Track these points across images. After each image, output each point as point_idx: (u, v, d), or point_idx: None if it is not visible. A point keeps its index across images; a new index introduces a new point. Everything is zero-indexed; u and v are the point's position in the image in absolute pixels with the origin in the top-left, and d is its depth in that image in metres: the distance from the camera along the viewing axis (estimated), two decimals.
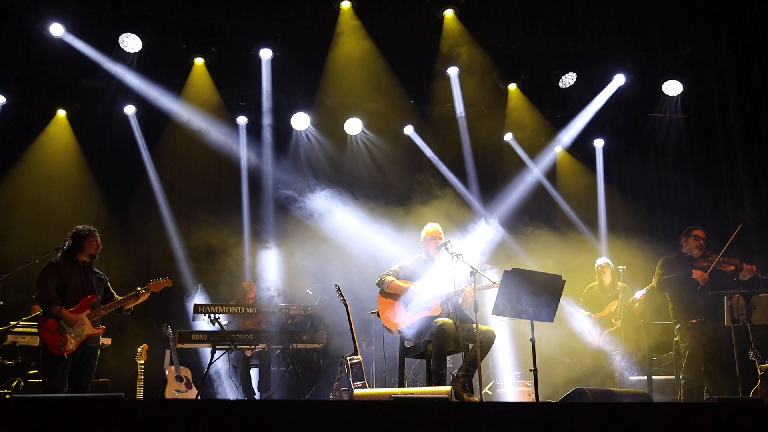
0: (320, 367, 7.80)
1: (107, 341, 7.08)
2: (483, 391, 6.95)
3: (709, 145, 9.46)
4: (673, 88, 9.32)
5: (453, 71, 9.23)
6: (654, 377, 7.32)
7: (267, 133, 9.16)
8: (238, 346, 6.97)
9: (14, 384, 6.47)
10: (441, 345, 5.62)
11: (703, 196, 9.49)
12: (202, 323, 6.89)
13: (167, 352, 7.62)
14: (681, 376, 6.39)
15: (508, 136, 9.96)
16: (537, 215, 9.82)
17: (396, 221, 8.27)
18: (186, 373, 7.62)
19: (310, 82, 8.98)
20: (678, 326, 6.47)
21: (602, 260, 7.97)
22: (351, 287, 7.68)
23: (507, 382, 7.93)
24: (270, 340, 6.99)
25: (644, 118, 9.82)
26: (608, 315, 7.55)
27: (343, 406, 3.78)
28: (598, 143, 9.97)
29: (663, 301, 6.85)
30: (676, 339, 6.55)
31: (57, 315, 5.39)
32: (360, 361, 6.23)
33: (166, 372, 7.58)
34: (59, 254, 5.59)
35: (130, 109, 8.80)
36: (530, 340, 5.27)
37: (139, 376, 6.89)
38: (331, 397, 6.61)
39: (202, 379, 6.97)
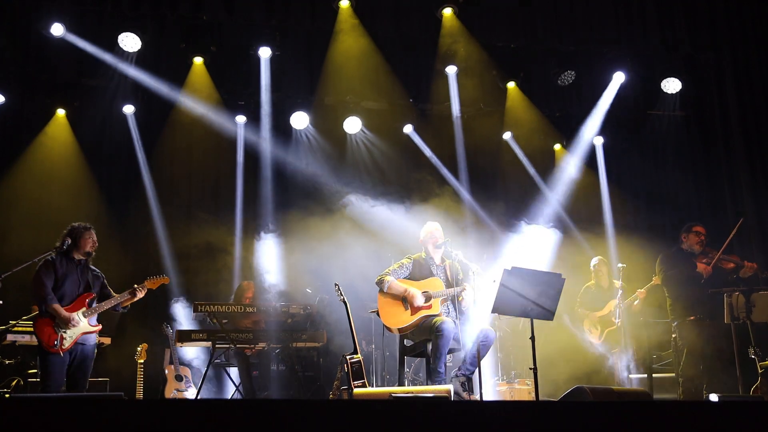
0: (320, 366, 7.79)
1: (107, 340, 7.09)
2: (482, 390, 6.95)
3: (708, 143, 9.45)
4: (672, 85, 9.31)
5: (452, 70, 9.22)
6: (654, 375, 7.32)
7: (266, 132, 9.15)
8: (237, 345, 6.97)
9: (14, 383, 6.47)
10: (441, 344, 5.62)
11: (703, 193, 9.49)
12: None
13: (167, 351, 7.62)
14: (680, 374, 6.39)
15: (507, 135, 9.95)
16: (537, 214, 9.81)
17: (396, 220, 8.27)
18: (186, 372, 7.62)
19: (310, 81, 8.98)
20: (675, 323, 6.47)
21: (597, 259, 7.97)
22: (351, 286, 7.68)
23: (507, 381, 7.93)
24: (270, 339, 6.98)
25: (644, 116, 9.81)
26: (608, 314, 7.55)
27: (343, 405, 3.78)
28: (598, 141, 9.97)
29: (663, 299, 6.85)
30: (674, 336, 6.55)
31: (52, 313, 5.37)
32: (360, 360, 6.23)
33: (166, 371, 7.58)
34: (53, 252, 5.56)
35: (128, 109, 8.79)
36: (530, 338, 5.26)
37: (138, 376, 6.88)
38: (330, 396, 6.60)
39: (202, 378, 6.97)
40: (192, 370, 7.77)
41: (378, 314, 6.08)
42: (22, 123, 8.60)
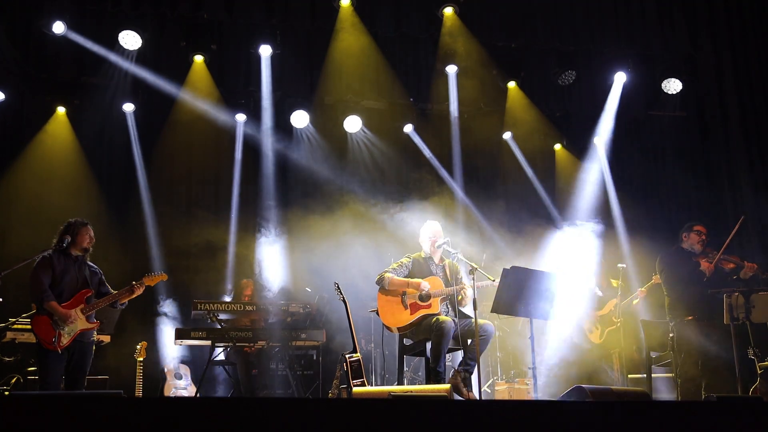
0: (319, 365, 7.79)
1: (106, 338, 7.08)
2: (482, 389, 6.96)
3: (708, 143, 9.45)
4: (672, 86, 9.31)
5: (452, 69, 9.21)
6: (653, 375, 7.31)
7: (266, 131, 9.15)
8: (237, 344, 6.97)
9: (13, 381, 6.47)
10: (440, 343, 5.62)
11: (703, 193, 9.49)
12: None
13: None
14: (678, 375, 6.38)
15: (508, 134, 9.95)
16: (538, 213, 9.81)
17: (396, 219, 8.27)
18: (185, 370, 7.63)
19: (310, 80, 8.97)
20: (673, 323, 6.47)
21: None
22: (351, 285, 7.68)
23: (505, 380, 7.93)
24: (269, 337, 6.99)
25: (644, 117, 9.81)
26: (608, 314, 7.55)
27: (342, 403, 3.78)
28: (599, 141, 9.96)
29: (663, 298, 6.85)
30: (671, 335, 6.54)
31: (50, 310, 5.36)
32: (359, 359, 6.23)
33: (165, 369, 7.59)
34: (51, 250, 5.55)
35: (128, 107, 8.79)
36: (529, 338, 5.27)
37: (138, 374, 6.88)
38: (330, 394, 6.61)
39: (201, 376, 6.97)
40: (191, 368, 7.77)
41: (377, 313, 6.08)
42: (23, 121, 8.60)
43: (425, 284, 5.90)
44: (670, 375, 7.08)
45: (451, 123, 9.56)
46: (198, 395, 7.08)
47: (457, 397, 5.41)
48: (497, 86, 9.43)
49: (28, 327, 6.46)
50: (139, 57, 8.33)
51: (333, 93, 9.07)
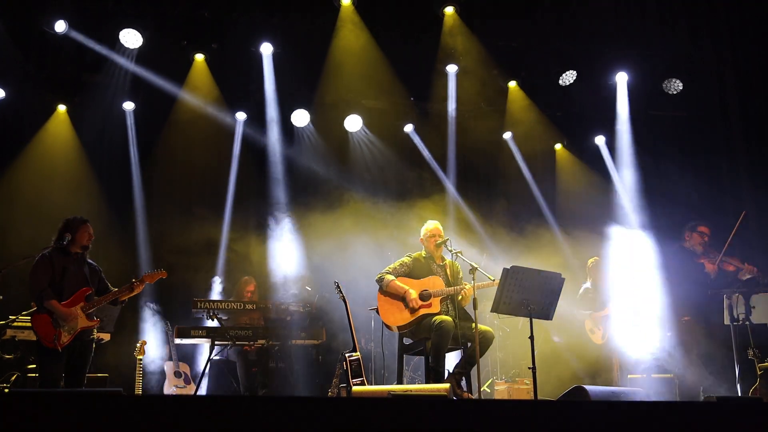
0: (319, 364, 7.79)
1: (106, 336, 7.09)
2: (481, 389, 6.96)
3: (709, 143, 9.44)
4: (673, 85, 9.30)
5: (452, 69, 9.21)
6: (653, 375, 7.31)
7: (266, 129, 9.16)
8: (236, 342, 6.97)
9: (13, 378, 6.47)
10: (440, 342, 5.63)
11: (704, 194, 9.48)
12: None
13: (166, 347, 7.62)
14: (677, 375, 6.39)
15: (508, 134, 9.95)
16: (539, 213, 9.82)
17: (396, 218, 8.27)
18: (185, 368, 7.63)
19: (311, 79, 8.97)
20: (671, 322, 6.46)
21: (593, 260, 7.96)
22: (351, 284, 7.68)
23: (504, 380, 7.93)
24: (269, 336, 6.99)
25: (645, 116, 9.80)
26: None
27: (342, 402, 3.78)
28: (600, 140, 9.97)
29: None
30: (669, 335, 6.54)
31: (50, 309, 5.36)
32: (359, 358, 6.23)
33: (165, 367, 7.59)
34: (50, 248, 5.55)
35: (129, 105, 8.79)
36: (529, 337, 5.27)
37: (137, 372, 6.88)
38: (329, 393, 6.61)
39: (201, 375, 6.97)
40: (191, 366, 7.77)
41: (378, 312, 6.09)
42: (23, 119, 8.60)
43: (416, 303, 5.89)
44: (670, 375, 7.09)
45: (449, 122, 9.55)
46: (197, 393, 7.08)
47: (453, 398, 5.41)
48: (498, 86, 9.43)
49: (29, 324, 6.45)
50: (140, 55, 8.33)
51: (333, 92, 9.07)
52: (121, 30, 8.06)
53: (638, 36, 8.77)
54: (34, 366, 6.41)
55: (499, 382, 7.85)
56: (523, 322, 7.72)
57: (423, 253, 6.26)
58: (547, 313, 5.37)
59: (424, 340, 5.82)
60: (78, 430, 2.68)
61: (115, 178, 8.82)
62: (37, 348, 5.39)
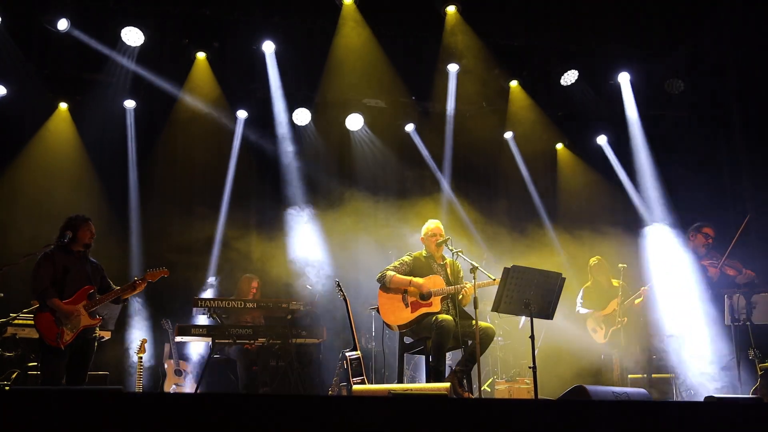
0: (319, 363, 7.80)
1: (107, 334, 7.09)
2: (482, 388, 6.96)
3: (711, 143, 9.43)
4: (675, 86, 9.28)
5: (453, 68, 9.20)
6: (654, 375, 7.31)
7: (267, 128, 9.16)
8: (237, 341, 6.97)
9: (14, 376, 6.47)
10: (440, 341, 5.63)
11: (705, 193, 9.48)
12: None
13: (166, 345, 7.62)
14: (677, 375, 6.38)
15: (509, 134, 9.95)
16: (539, 212, 9.81)
17: (397, 217, 8.27)
18: (185, 366, 7.63)
19: (312, 78, 8.96)
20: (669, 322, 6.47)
21: (595, 259, 7.96)
22: (351, 282, 7.69)
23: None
24: (269, 334, 6.99)
25: (646, 116, 9.79)
26: (612, 313, 7.53)
27: (342, 401, 3.78)
28: (602, 140, 9.96)
29: None
30: (668, 334, 6.54)
31: (53, 307, 5.36)
32: (359, 357, 6.23)
33: (165, 365, 7.59)
34: (52, 246, 5.55)
35: (130, 104, 8.80)
36: (529, 337, 5.27)
37: (138, 370, 6.89)
38: (329, 392, 6.61)
39: (201, 373, 6.98)
40: (191, 365, 7.77)
41: (378, 311, 6.09)
42: (25, 116, 8.60)
43: (426, 286, 5.89)
44: (671, 375, 7.08)
45: (446, 121, 9.55)
46: (198, 391, 7.08)
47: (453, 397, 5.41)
48: (499, 85, 9.42)
49: (29, 322, 6.47)
50: (141, 54, 8.33)
51: (335, 91, 9.07)
52: (123, 28, 8.06)
53: (640, 36, 8.76)
54: (35, 364, 6.42)
55: (500, 381, 7.85)
56: (523, 321, 7.74)
57: (423, 252, 6.26)
58: (547, 313, 5.37)
59: (425, 339, 5.82)
60: (78, 428, 2.68)
61: (116, 176, 8.82)
62: (40, 346, 5.40)
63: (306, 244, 8.33)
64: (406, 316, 5.91)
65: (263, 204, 9.04)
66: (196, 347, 8.06)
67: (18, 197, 8.22)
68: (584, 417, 3.02)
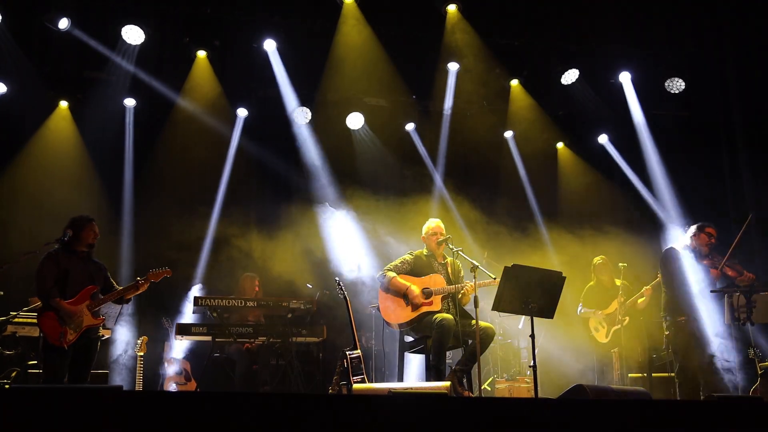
0: (319, 361, 7.80)
1: (107, 333, 7.10)
2: (482, 387, 6.96)
3: (711, 143, 9.42)
4: (675, 85, 9.28)
5: (453, 67, 9.19)
6: (654, 375, 7.31)
7: (268, 126, 9.15)
8: (237, 339, 6.97)
9: (14, 374, 6.47)
10: (441, 340, 5.63)
11: (706, 193, 9.47)
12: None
13: (167, 344, 7.63)
14: (676, 374, 6.38)
15: (509, 133, 9.94)
16: (540, 211, 9.81)
17: (397, 216, 8.27)
18: (185, 365, 7.63)
19: (312, 77, 8.96)
20: (668, 322, 6.45)
21: (599, 259, 7.96)
22: (352, 281, 7.69)
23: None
24: (269, 333, 6.99)
25: (647, 116, 9.78)
26: (614, 312, 7.54)
27: (342, 400, 3.78)
28: (603, 139, 9.96)
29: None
30: (667, 333, 6.53)
31: (56, 307, 5.37)
32: (359, 356, 6.23)
33: (166, 364, 7.59)
34: (56, 245, 5.56)
35: (130, 102, 8.80)
36: (530, 336, 5.27)
37: (138, 368, 6.89)
38: (329, 391, 6.61)
39: (202, 371, 6.98)
40: (192, 364, 7.77)
41: (378, 310, 6.09)
42: (25, 114, 8.60)
43: (419, 299, 5.89)
44: (671, 375, 7.08)
45: (447, 120, 9.55)
46: (198, 390, 7.08)
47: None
48: (500, 84, 9.41)
49: (29, 321, 6.48)
50: (142, 52, 8.33)
51: (335, 89, 9.06)
52: (123, 27, 8.05)
53: (640, 35, 8.75)
54: (35, 362, 6.43)
55: (500, 380, 7.85)
56: (523, 320, 7.74)
57: (424, 251, 6.27)
58: (548, 312, 5.36)
59: (425, 338, 5.82)
60: (79, 426, 2.68)
61: (117, 174, 8.82)
62: (43, 345, 5.42)
63: (306, 241, 8.32)
64: (407, 314, 5.91)
65: (262, 202, 9.03)
66: (197, 346, 8.07)
67: (18, 195, 8.22)
68: (584, 416, 3.02)
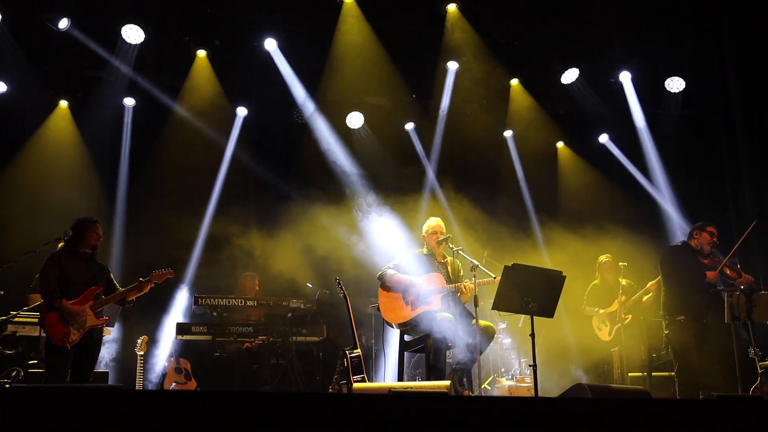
0: (319, 360, 7.80)
1: (107, 332, 7.09)
2: (482, 387, 6.96)
3: (711, 143, 9.42)
4: (675, 84, 9.28)
5: (453, 66, 9.19)
6: (654, 374, 7.31)
7: (269, 125, 9.14)
8: (237, 339, 6.97)
9: (14, 374, 6.47)
10: (440, 339, 5.63)
11: (706, 192, 9.47)
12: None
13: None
14: (676, 374, 6.38)
15: (509, 132, 9.94)
16: (540, 211, 9.81)
17: (397, 216, 8.25)
18: (185, 364, 7.63)
19: (313, 76, 8.95)
20: (667, 321, 6.45)
21: (605, 257, 7.95)
22: (352, 281, 7.68)
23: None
24: (270, 332, 6.99)
25: (647, 115, 9.79)
26: (617, 311, 7.53)
27: (342, 399, 3.78)
28: (604, 138, 9.96)
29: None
30: (666, 333, 6.53)
31: (59, 308, 5.38)
32: (359, 355, 6.24)
33: (166, 363, 7.60)
34: (60, 245, 5.58)
35: (130, 101, 8.80)
36: (530, 335, 5.27)
37: (138, 368, 6.89)
38: (330, 390, 6.61)
39: (202, 371, 6.99)
40: (192, 363, 7.78)
41: (378, 309, 6.09)
42: (25, 114, 8.59)
43: (422, 288, 5.89)
44: (671, 374, 7.08)
45: (446, 118, 9.54)
46: (198, 389, 7.09)
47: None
48: (500, 83, 9.41)
49: (29, 320, 6.48)
50: (142, 51, 8.32)
51: (335, 89, 9.05)
52: (123, 26, 8.05)
53: (640, 34, 8.74)
54: (35, 362, 6.43)
55: (500, 379, 7.85)
56: (523, 319, 7.74)
57: (424, 249, 6.27)
58: (548, 311, 5.37)
59: (425, 338, 5.82)
60: (79, 426, 2.68)
61: (117, 174, 8.82)
62: (46, 346, 5.43)
63: (306, 241, 8.31)
64: (407, 314, 5.91)
65: (262, 201, 9.03)
66: (197, 345, 8.07)
67: (18, 195, 8.21)
68: (584, 415, 3.02)
